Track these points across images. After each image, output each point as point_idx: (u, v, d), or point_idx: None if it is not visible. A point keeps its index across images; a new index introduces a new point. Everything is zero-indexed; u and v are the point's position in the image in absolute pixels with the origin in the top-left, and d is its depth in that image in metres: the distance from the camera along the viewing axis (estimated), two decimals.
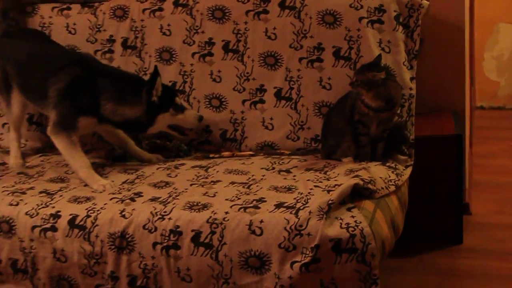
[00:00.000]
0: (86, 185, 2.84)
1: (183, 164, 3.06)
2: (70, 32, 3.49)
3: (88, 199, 2.68)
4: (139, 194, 2.68)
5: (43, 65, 3.10)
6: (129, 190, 2.75)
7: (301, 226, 2.31)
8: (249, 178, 2.81)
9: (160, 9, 3.38)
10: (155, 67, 3.00)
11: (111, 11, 3.46)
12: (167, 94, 3.00)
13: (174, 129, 3.07)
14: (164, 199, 2.60)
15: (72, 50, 3.41)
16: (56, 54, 3.21)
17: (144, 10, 3.41)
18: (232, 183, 2.74)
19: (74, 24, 3.49)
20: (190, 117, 3.06)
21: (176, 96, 3.05)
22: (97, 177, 2.87)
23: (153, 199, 2.60)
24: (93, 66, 3.11)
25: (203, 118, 3.10)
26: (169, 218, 2.45)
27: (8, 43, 3.29)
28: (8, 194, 2.77)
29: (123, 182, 2.88)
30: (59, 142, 2.95)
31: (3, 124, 3.54)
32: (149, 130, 3.05)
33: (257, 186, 2.69)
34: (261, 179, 2.80)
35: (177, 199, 2.59)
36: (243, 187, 2.68)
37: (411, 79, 3.10)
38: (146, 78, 3.17)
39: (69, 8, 3.54)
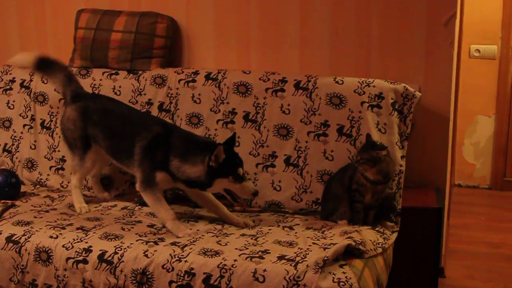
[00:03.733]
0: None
1: (201, 217, 3.01)
2: (115, 93, 3.50)
3: (117, 237, 2.65)
4: (162, 239, 2.65)
5: (130, 127, 3.01)
6: (154, 234, 2.72)
7: (298, 277, 2.27)
8: (257, 231, 2.78)
9: (193, 81, 3.39)
10: (234, 133, 2.93)
11: (152, 78, 3.47)
12: (230, 163, 2.78)
13: (228, 193, 2.84)
14: (182, 244, 2.56)
15: (151, 114, 3.35)
16: (140, 116, 3.18)
17: (179, 80, 3.42)
18: (243, 235, 2.71)
19: (120, 87, 3.51)
20: (246, 189, 2.81)
21: (240, 167, 2.81)
22: (182, 227, 2.75)
23: (173, 243, 2.57)
24: (170, 126, 3.03)
25: (258, 194, 2.90)
26: (185, 261, 2.41)
27: (92, 108, 3.16)
28: (50, 228, 2.74)
29: (148, 226, 2.86)
30: (146, 198, 2.87)
31: (50, 167, 3.54)
32: (207, 190, 2.87)
33: (264, 239, 2.65)
34: (267, 232, 2.76)
35: (194, 244, 2.55)
36: (251, 238, 2.65)
37: (402, 157, 3.08)
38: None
39: (117, 73, 3.56)
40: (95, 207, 3.16)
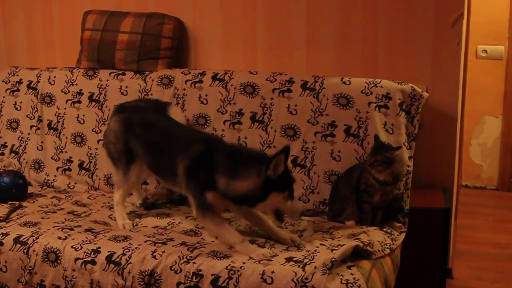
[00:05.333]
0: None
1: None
2: (122, 93, 3.51)
3: (125, 238, 2.65)
4: (171, 239, 2.65)
5: (172, 144, 2.82)
6: (162, 235, 2.72)
7: (306, 279, 2.27)
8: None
9: (200, 81, 3.39)
10: (287, 146, 2.54)
11: (159, 79, 3.48)
12: (287, 177, 2.57)
13: (276, 212, 2.61)
14: (191, 245, 2.57)
15: (195, 129, 3.20)
16: (183, 131, 2.94)
17: (186, 81, 3.42)
18: (252, 241, 2.63)
19: (127, 87, 3.51)
20: (295, 208, 2.65)
21: (294, 183, 2.63)
22: (253, 248, 2.53)
23: (182, 244, 2.58)
24: (213, 141, 2.78)
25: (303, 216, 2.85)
26: (194, 262, 2.42)
27: (135, 121, 2.99)
28: (58, 229, 2.75)
29: (156, 227, 2.87)
30: (207, 224, 2.70)
31: (57, 168, 3.56)
32: (258, 206, 2.61)
33: (271, 244, 2.63)
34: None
35: (204, 247, 2.56)
36: (260, 244, 2.63)
37: (409, 158, 3.07)
38: None
39: (123, 74, 3.56)
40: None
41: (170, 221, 2.95)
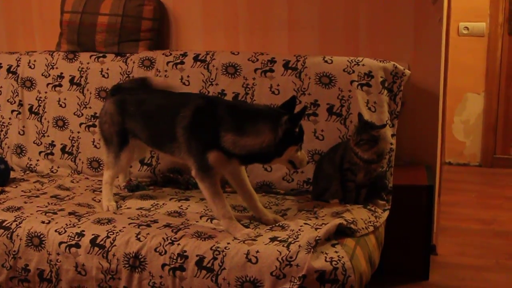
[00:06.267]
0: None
1: (192, 197, 3.02)
2: (103, 76, 3.48)
3: (109, 221, 2.65)
4: (155, 221, 2.65)
5: (168, 110, 2.76)
6: (146, 217, 2.72)
7: (291, 257, 2.28)
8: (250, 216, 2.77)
9: (182, 63, 3.38)
10: (293, 97, 2.60)
11: (140, 61, 3.46)
12: (301, 130, 2.56)
13: (290, 163, 2.60)
14: (175, 227, 2.57)
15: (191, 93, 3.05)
16: (177, 96, 2.89)
17: (168, 62, 3.40)
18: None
19: (108, 69, 3.49)
20: (303, 157, 2.61)
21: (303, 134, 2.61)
22: (239, 227, 2.54)
23: (166, 226, 2.58)
24: (212, 98, 2.78)
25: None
26: (178, 244, 2.42)
27: (129, 100, 2.96)
28: (41, 213, 2.74)
29: (139, 208, 2.86)
30: (204, 189, 2.61)
31: (39, 152, 3.54)
32: (273, 161, 2.57)
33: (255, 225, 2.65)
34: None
35: (188, 228, 2.56)
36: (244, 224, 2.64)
37: (392, 135, 3.08)
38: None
39: (104, 56, 3.54)
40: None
41: (154, 203, 2.95)
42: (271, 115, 2.53)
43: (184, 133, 2.64)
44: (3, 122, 3.63)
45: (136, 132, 2.93)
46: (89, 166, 3.46)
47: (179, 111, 2.67)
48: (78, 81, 3.52)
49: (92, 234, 2.54)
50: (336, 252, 2.33)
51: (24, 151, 3.58)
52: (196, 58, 3.36)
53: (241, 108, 2.65)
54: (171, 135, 2.69)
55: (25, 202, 2.92)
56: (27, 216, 2.71)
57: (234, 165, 2.65)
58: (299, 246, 2.31)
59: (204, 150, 2.57)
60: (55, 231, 2.59)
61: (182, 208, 2.86)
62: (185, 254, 2.39)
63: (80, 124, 3.49)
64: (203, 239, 2.44)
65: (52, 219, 2.68)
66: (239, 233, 2.49)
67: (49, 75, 3.58)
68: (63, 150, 3.51)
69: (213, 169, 2.58)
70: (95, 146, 3.44)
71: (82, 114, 3.48)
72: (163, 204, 2.94)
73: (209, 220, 2.70)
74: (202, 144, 2.59)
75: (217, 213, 2.60)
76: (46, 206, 2.85)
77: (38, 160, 3.55)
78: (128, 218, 2.70)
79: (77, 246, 2.53)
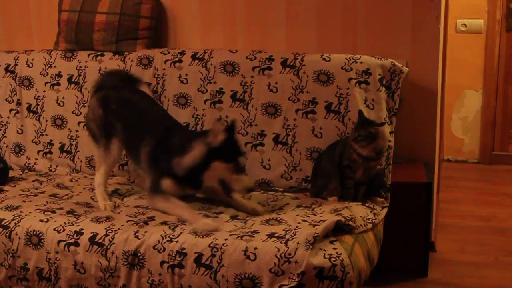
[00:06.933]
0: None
1: (191, 196, 3.02)
2: (101, 74, 3.48)
3: (108, 219, 2.65)
4: (152, 218, 2.65)
5: (141, 126, 2.91)
6: (143, 214, 2.72)
7: (289, 254, 2.28)
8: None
9: (180, 61, 3.38)
10: (232, 121, 2.72)
11: (138, 59, 3.46)
12: (231, 147, 2.65)
13: (223, 185, 2.69)
14: (173, 224, 2.57)
15: (168, 115, 3.09)
16: (153, 115, 2.99)
17: (166, 60, 3.40)
18: (232, 217, 2.68)
19: (106, 68, 3.49)
20: (241, 182, 2.67)
21: (242, 156, 2.71)
22: (198, 216, 2.62)
23: (164, 223, 2.58)
24: (173, 128, 2.89)
25: (253, 191, 2.95)
26: (177, 241, 2.42)
27: (112, 97, 3.05)
28: (40, 212, 2.74)
29: (137, 206, 2.87)
30: (154, 205, 2.76)
31: (38, 151, 3.54)
32: (205, 176, 2.67)
33: (253, 220, 2.64)
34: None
35: (185, 225, 2.56)
36: (240, 222, 2.64)
37: (391, 133, 3.09)
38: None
39: (102, 55, 3.54)
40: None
41: None
42: (207, 133, 2.68)
43: (146, 157, 2.83)
44: (1, 121, 3.64)
45: (117, 130, 2.99)
46: (88, 165, 3.46)
47: (144, 137, 2.85)
48: (76, 80, 3.53)
49: (91, 232, 2.54)
50: (334, 249, 2.33)
51: (22, 150, 3.59)
52: (194, 57, 3.36)
53: (189, 133, 2.92)
54: (137, 151, 2.88)
55: (24, 201, 2.92)
56: (26, 215, 2.71)
57: (187, 191, 2.82)
58: (298, 243, 2.31)
59: (160, 176, 2.74)
60: (54, 229, 2.59)
61: None
62: (183, 251, 2.39)
63: (79, 123, 3.49)
64: (201, 236, 2.44)
65: (51, 217, 2.68)
66: (201, 222, 2.54)
67: (47, 74, 3.58)
68: (61, 149, 3.51)
69: (164, 193, 2.74)
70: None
71: (81, 113, 3.48)
72: None
73: (205, 216, 2.69)
74: (158, 170, 2.77)
75: (180, 214, 2.65)
76: (45, 205, 2.86)
77: (36, 159, 3.55)
78: (126, 215, 2.70)
79: (76, 244, 2.53)
